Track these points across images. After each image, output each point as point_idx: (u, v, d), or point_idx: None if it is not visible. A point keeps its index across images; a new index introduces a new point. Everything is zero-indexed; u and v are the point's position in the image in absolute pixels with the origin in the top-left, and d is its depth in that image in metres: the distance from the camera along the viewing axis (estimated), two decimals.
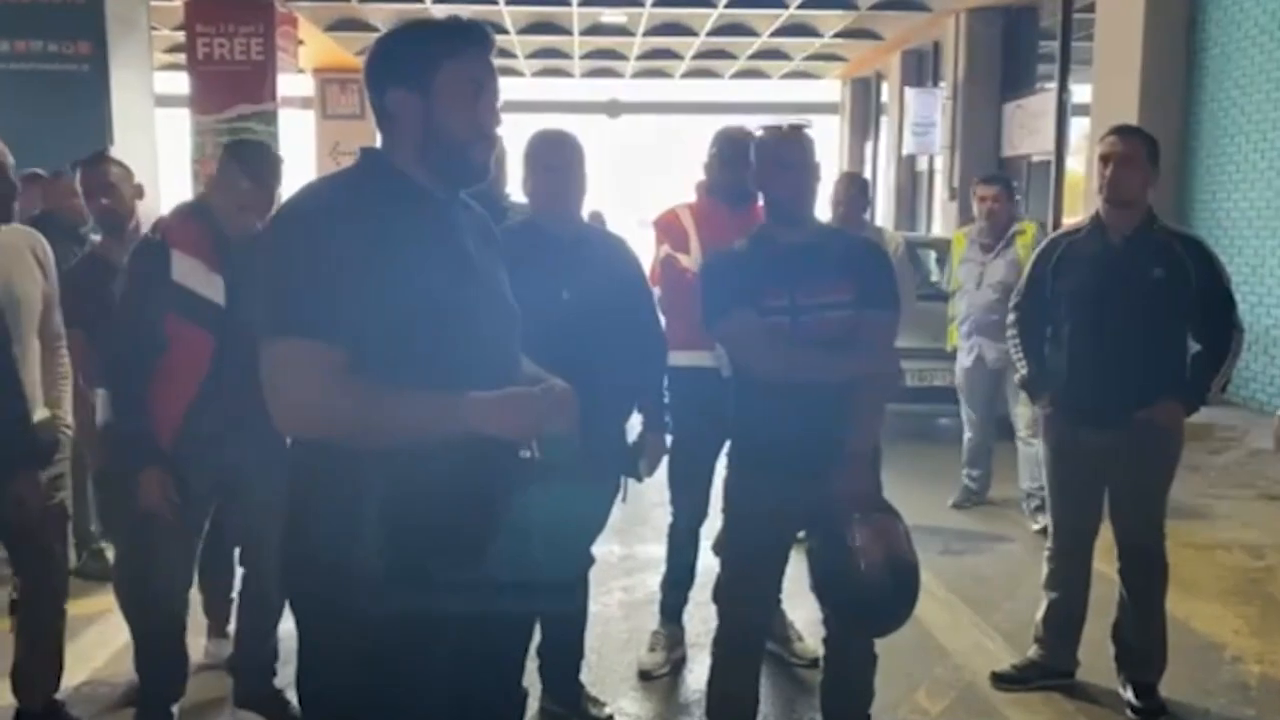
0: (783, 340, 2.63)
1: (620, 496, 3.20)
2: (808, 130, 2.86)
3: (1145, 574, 3.38)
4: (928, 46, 15.39)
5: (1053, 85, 11.92)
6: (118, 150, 9.86)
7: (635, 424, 3.21)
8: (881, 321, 2.70)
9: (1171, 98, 8.72)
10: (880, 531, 2.52)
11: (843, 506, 2.54)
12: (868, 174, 18.37)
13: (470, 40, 1.72)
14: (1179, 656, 3.46)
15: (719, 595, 2.89)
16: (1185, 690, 3.44)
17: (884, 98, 17.75)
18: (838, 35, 15.16)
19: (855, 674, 2.85)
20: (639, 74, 18.96)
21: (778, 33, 14.97)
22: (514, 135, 3.18)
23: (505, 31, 14.94)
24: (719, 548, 2.91)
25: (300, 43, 13.94)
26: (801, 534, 2.82)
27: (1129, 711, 3.33)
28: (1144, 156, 3.26)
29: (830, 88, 19.89)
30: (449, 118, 1.70)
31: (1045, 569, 3.56)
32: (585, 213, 3.23)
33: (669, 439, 3.36)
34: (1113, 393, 3.25)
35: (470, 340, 1.71)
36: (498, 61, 1.78)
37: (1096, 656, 3.49)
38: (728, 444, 3.02)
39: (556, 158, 2.98)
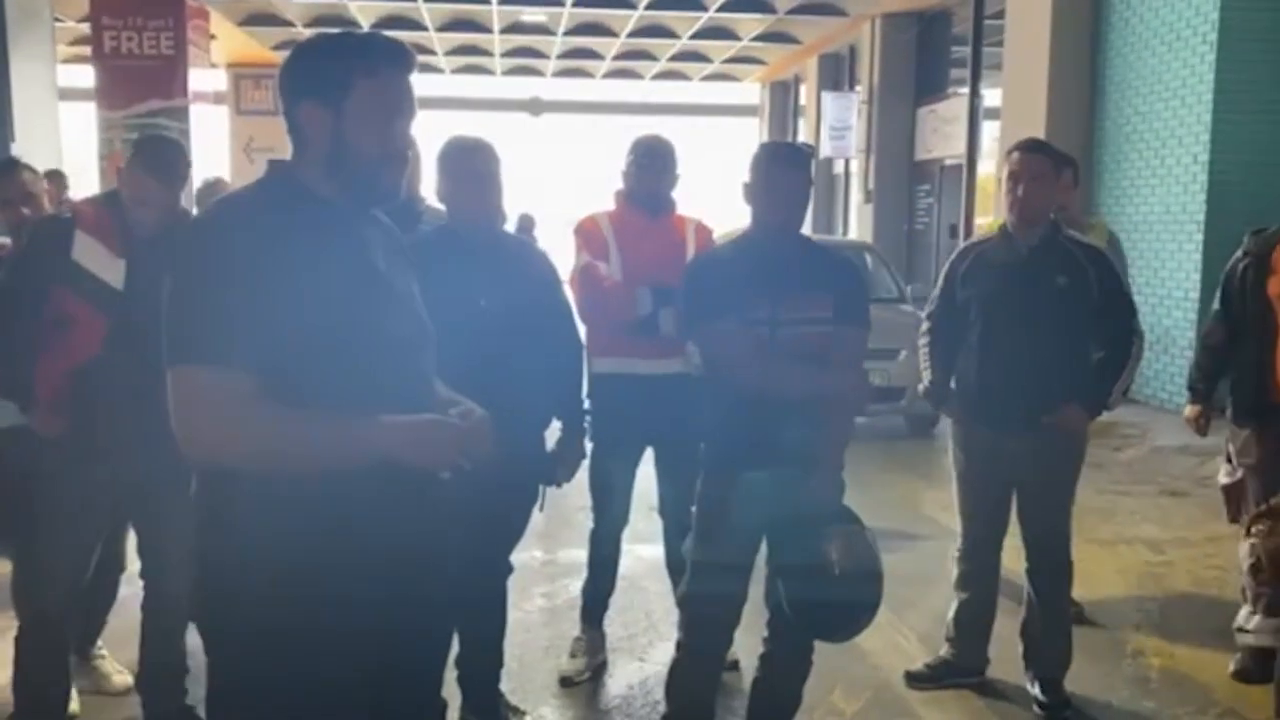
0: (762, 351, 2.66)
1: (539, 504, 3.19)
2: (807, 149, 2.91)
3: (1051, 574, 3.48)
4: (844, 51, 15.66)
5: (965, 90, 12.21)
6: (19, 147, 9.53)
7: (554, 431, 3.21)
8: (855, 338, 2.76)
9: (1077, 105, 9.01)
10: (851, 541, 2.58)
11: (814, 516, 2.60)
12: None
13: (390, 60, 1.70)
14: (1083, 651, 3.57)
15: (686, 599, 2.91)
16: (1089, 685, 3.56)
17: (802, 100, 17.99)
18: (756, 39, 15.34)
19: (791, 681, 2.90)
20: (561, 73, 18.94)
21: (697, 35, 15.09)
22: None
23: (424, 28, 14.79)
24: (687, 551, 2.94)
25: (212, 37, 13.63)
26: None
27: (1036, 708, 3.43)
28: (1050, 171, 3.35)
29: (749, 90, 20.09)
30: (360, 137, 1.68)
31: (955, 570, 3.65)
32: (515, 215, 3.23)
33: (589, 445, 3.37)
34: (1019, 397, 3.34)
35: (382, 357, 1.69)
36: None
37: (1005, 654, 3.59)
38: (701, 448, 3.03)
39: (473, 166, 2.97)
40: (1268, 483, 3.41)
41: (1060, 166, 3.39)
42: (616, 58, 17.26)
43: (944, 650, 3.65)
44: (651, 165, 3.50)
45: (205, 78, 13.18)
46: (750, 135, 20.11)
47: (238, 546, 1.62)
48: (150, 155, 2.99)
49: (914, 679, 3.61)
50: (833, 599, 2.58)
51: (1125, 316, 3.41)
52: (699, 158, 21.47)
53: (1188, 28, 7.76)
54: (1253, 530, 2.57)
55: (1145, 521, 5.56)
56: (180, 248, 1.73)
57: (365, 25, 14.08)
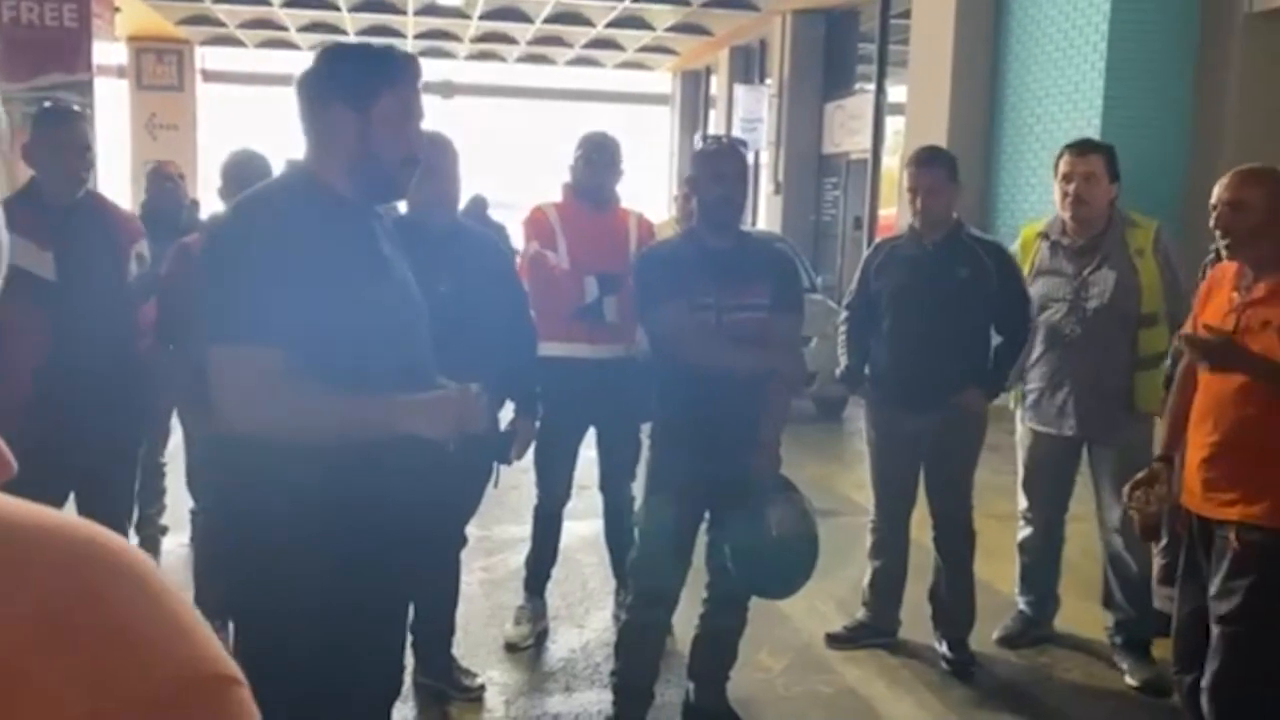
0: (709, 333, 2.90)
1: (492, 481, 3.39)
2: (742, 146, 3.16)
3: (956, 541, 3.83)
4: (755, 44, 15.98)
5: (871, 87, 12.63)
6: None
7: (508, 411, 3.40)
8: (791, 324, 3.03)
9: (979, 105, 9.46)
10: (790, 509, 2.87)
11: (758, 485, 2.87)
12: None
13: (409, 72, 1.90)
14: (985, 614, 3.93)
15: (635, 567, 3.15)
16: (991, 643, 3.92)
17: (713, 91, 18.29)
18: (670, 29, 15.56)
19: (730, 635, 3.16)
20: (474, 56, 18.89)
21: (612, 24, 15.25)
22: None
23: (336, 8, 14.65)
24: (638, 520, 3.19)
25: (116, 9, 13.28)
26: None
27: (944, 663, 3.78)
28: (946, 180, 3.67)
29: (662, 79, 20.32)
30: (384, 141, 1.87)
31: (869, 540, 3.97)
32: (466, 197, 3.42)
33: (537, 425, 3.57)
34: (926, 380, 3.66)
35: (394, 338, 1.90)
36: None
37: (915, 616, 3.93)
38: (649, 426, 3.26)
39: (430, 161, 3.13)
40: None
41: (955, 171, 3.72)
42: (531, 43, 17.32)
43: (860, 614, 3.97)
44: (599, 160, 3.72)
45: (108, 51, 12.85)
46: (661, 124, 20.37)
47: (263, 509, 1.80)
48: (49, 123, 3.09)
49: (833, 640, 3.92)
50: (773, 558, 2.85)
51: (1021, 307, 3.72)
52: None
53: (1080, 35, 8.25)
54: (1133, 498, 2.90)
55: None
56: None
57: None
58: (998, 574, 4.60)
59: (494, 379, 3.26)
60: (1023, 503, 4.00)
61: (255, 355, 1.72)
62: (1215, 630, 2.64)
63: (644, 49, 17.52)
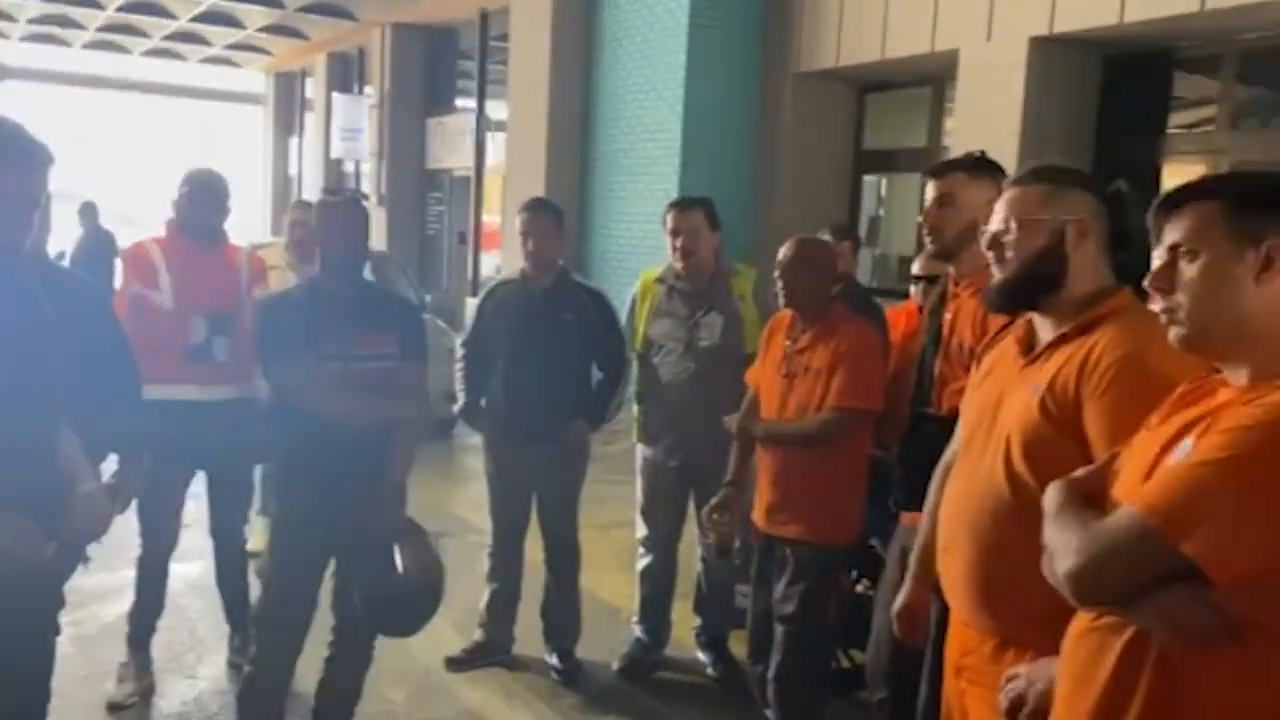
0: (337, 384, 2.94)
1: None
2: (363, 200, 3.19)
3: (565, 560, 4.16)
4: (354, 52, 15.73)
5: (473, 106, 12.89)
6: None
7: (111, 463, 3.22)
8: (417, 371, 3.12)
9: (573, 134, 10.02)
10: (417, 550, 2.99)
11: (385, 529, 2.96)
12: (293, 171, 18.20)
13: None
14: (590, 623, 4.29)
15: (259, 615, 3.13)
16: (595, 650, 4.27)
17: (309, 94, 17.75)
18: (262, 29, 14.92)
19: (355, 675, 3.23)
20: (30, 38, 16.91)
21: (198, 18, 14.35)
22: None
23: None
24: (262, 567, 3.14)
25: None
26: None
27: (554, 674, 4.09)
28: (552, 229, 3.99)
29: (253, 78, 19.39)
30: None
31: (487, 563, 4.20)
32: (78, 203, 3.20)
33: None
34: (539, 415, 3.95)
35: None
36: None
37: (529, 632, 4.20)
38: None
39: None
40: None
41: (561, 221, 4.03)
42: (101, 29, 15.82)
43: (477, 635, 4.18)
44: (207, 199, 3.62)
45: None
46: (253, 124, 19.43)
47: None
48: None
49: (453, 663, 4.10)
50: (402, 600, 2.98)
51: (618, 346, 4.12)
52: (198, 142, 20.20)
53: (659, 78, 9.01)
54: (711, 520, 3.38)
55: (633, 506, 6.51)
56: None
57: None
58: (599, 583, 5.01)
59: (93, 430, 3.12)
60: (642, 530, 4.28)
61: None
62: (779, 629, 3.15)
63: (233, 46, 16.64)
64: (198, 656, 4.07)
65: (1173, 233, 1.44)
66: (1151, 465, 1.41)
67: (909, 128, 8.59)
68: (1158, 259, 1.47)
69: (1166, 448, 1.41)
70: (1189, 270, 1.41)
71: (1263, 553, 1.27)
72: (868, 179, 9.04)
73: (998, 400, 1.95)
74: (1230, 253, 1.38)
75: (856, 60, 8.05)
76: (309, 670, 3.31)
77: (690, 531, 4.23)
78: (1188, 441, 1.36)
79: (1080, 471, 1.57)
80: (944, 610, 2.13)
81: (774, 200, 8.69)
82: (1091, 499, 1.49)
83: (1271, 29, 5.87)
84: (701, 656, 4.24)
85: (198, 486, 3.87)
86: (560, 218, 4.03)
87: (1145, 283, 1.48)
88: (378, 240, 13.56)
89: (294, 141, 18.77)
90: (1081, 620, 1.49)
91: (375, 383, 3.03)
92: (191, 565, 4.43)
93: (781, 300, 3.29)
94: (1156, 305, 1.47)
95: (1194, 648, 1.32)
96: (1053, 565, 1.44)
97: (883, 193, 9.21)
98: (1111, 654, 1.41)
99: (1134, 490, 1.41)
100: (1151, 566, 1.32)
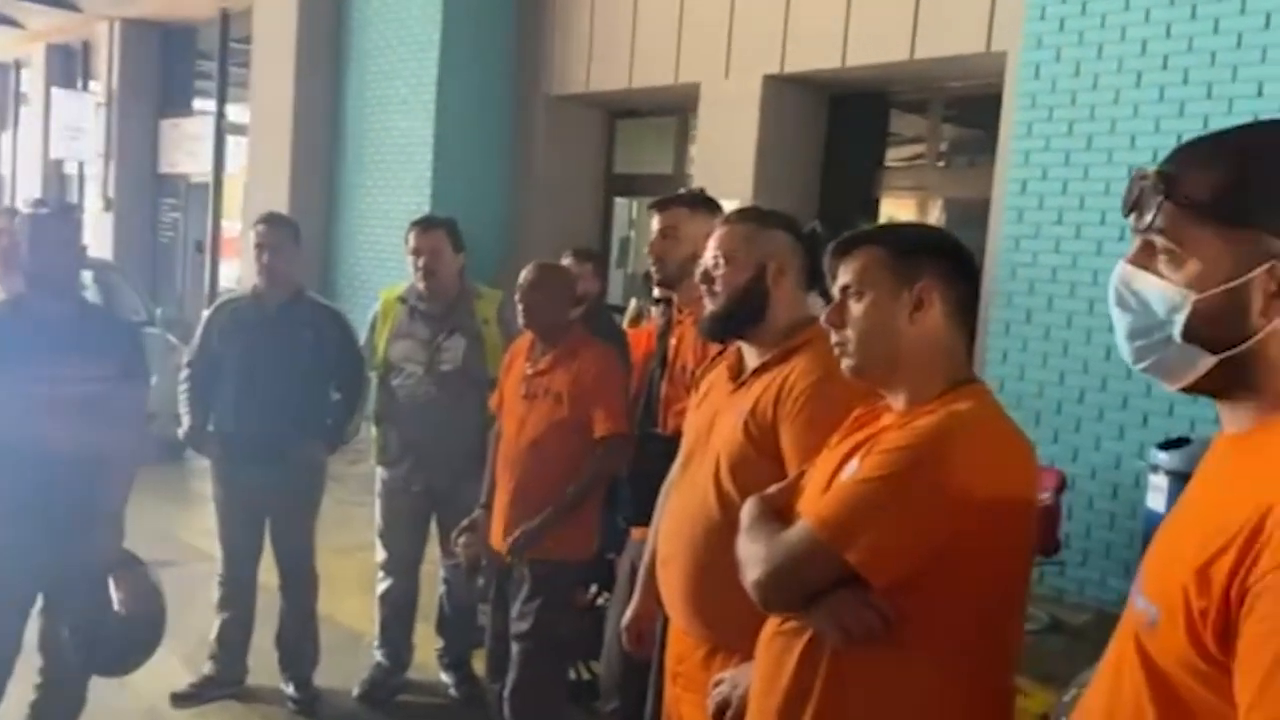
0: (42, 408, 2.73)
1: None
2: (75, 211, 2.97)
3: (299, 587, 4.05)
4: (77, 45, 14.62)
5: (212, 107, 12.26)
6: None
7: None
8: (135, 395, 2.96)
9: (320, 146, 9.71)
10: (134, 581, 2.83)
11: (98, 561, 2.80)
12: (5, 171, 16.73)
13: None
14: (329, 649, 4.19)
15: None
16: (335, 677, 4.17)
17: (24, 88, 16.33)
18: None
19: (68, 716, 3.01)
20: None
21: None
22: None
23: None
24: None
25: None
26: None
27: (290, 704, 3.96)
28: (289, 243, 3.90)
29: None
30: None
31: (217, 592, 4.02)
32: None
33: None
34: (270, 436, 3.82)
35: None
36: None
37: (264, 662, 4.05)
38: None
39: None
40: None
41: (298, 235, 3.95)
42: None
43: (207, 667, 4.00)
44: None
45: None
46: None
47: None
48: None
49: (179, 699, 3.90)
50: (119, 637, 2.82)
51: (356, 367, 4.05)
52: None
53: (410, 92, 8.91)
54: (458, 542, 3.40)
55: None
56: None
57: None
58: (339, 608, 4.89)
59: None
60: (381, 555, 4.20)
61: None
62: (515, 647, 3.20)
63: None
64: None
65: (844, 274, 1.62)
66: (829, 481, 1.58)
67: (656, 154, 8.91)
68: (833, 298, 1.64)
69: (840, 466, 1.57)
70: (856, 308, 1.60)
71: (914, 557, 1.45)
72: (619, 201, 9.29)
73: (711, 422, 2.10)
74: (890, 293, 1.58)
75: (606, 87, 8.28)
76: (14, 717, 3.07)
77: (432, 552, 4.22)
78: (855, 461, 1.53)
79: (772, 488, 1.73)
80: (667, 620, 2.26)
81: (527, 219, 8.79)
82: (781, 513, 1.65)
83: (971, 78, 6.52)
84: (445, 678, 4.23)
85: None
86: (297, 233, 3.93)
87: (820, 319, 1.66)
88: (103, 248, 12.64)
89: (6, 139, 17.18)
90: (770, 625, 1.64)
91: (88, 405, 2.86)
92: None
93: (521, 321, 3.36)
94: (832, 339, 1.64)
95: (858, 647, 1.49)
96: (744, 575, 1.58)
97: (634, 215, 9.50)
98: (793, 656, 1.56)
99: (814, 504, 1.57)
100: (822, 574, 1.48)
